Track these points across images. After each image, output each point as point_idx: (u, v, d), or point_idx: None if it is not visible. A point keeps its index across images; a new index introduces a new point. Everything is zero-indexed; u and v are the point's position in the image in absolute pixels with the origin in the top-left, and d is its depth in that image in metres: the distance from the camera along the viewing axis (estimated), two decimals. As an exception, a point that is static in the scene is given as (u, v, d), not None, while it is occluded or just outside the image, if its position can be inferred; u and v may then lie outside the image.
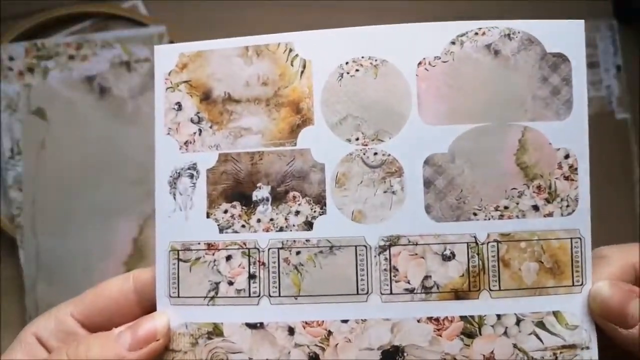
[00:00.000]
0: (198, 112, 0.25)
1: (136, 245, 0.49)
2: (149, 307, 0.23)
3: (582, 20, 0.24)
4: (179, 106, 0.25)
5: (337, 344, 0.22)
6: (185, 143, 0.25)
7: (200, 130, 0.25)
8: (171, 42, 0.53)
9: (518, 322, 0.22)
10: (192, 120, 0.25)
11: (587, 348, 0.22)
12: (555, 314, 0.22)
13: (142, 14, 0.53)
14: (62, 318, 0.23)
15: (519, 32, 0.24)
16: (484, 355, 0.22)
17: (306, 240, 0.23)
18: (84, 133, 0.52)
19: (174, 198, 0.24)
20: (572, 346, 0.22)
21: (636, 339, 0.20)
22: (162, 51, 0.25)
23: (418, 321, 0.22)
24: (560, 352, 0.22)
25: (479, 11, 0.57)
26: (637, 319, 0.20)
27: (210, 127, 0.25)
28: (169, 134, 0.25)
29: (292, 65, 0.24)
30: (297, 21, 0.50)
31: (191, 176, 0.24)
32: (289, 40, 0.24)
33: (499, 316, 0.22)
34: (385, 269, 0.23)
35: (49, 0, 0.52)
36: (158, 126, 0.25)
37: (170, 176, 0.24)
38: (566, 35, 0.24)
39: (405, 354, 0.22)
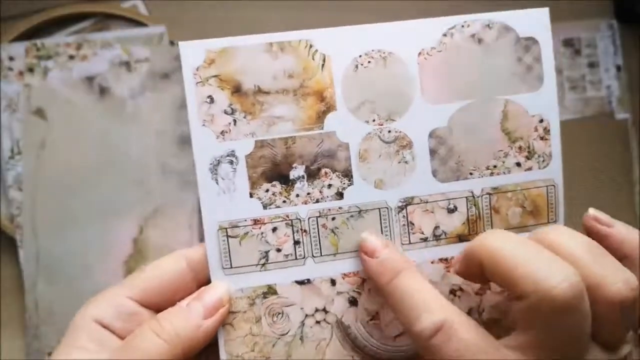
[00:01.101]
0: (231, 104, 0.28)
1: (136, 245, 0.49)
2: (203, 282, 0.27)
3: (547, 8, 0.29)
4: (211, 99, 0.28)
5: (369, 289, 0.28)
6: (222, 133, 0.28)
7: (235, 121, 0.28)
8: (171, 42, 0.53)
9: None
10: (225, 112, 0.28)
11: None
12: None
13: (142, 14, 0.53)
14: (120, 301, 0.26)
15: (496, 23, 0.29)
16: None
17: (339, 208, 0.28)
18: (84, 133, 0.52)
19: (217, 183, 0.28)
20: None
21: None
22: (188, 47, 0.28)
23: (432, 262, 0.28)
24: None
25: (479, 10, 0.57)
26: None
27: (244, 117, 0.28)
28: (204, 125, 0.28)
29: (313, 59, 0.29)
30: (296, 21, 0.50)
31: (231, 162, 0.28)
32: (308, 37, 0.28)
33: None
34: (404, 224, 0.28)
35: (49, 0, 0.52)
36: (192, 118, 0.28)
37: (211, 163, 0.28)
38: (534, 22, 0.29)
39: None
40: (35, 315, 0.52)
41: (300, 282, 0.27)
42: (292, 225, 0.27)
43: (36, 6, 0.55)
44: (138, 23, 0.55)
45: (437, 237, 0.28)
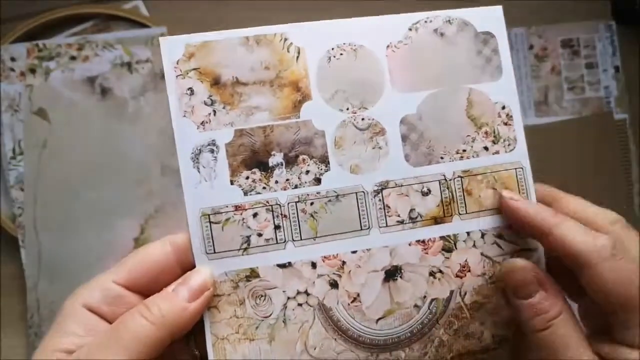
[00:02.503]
0: (210, 96, 0.29)
1: (137, 245, 0.50)
2: (188, 266, 0.27)
3: (500, 6, 0.32)
4: (192, 91, 0.29)
5: (350, 271, 0.28)
6: (202, 123, 0.29)
7: (214, 111, 0.29)
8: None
9: (482, 235, 0.30)
10: (205, 103, 0.29)
11: (536, 250, 0.30)
12: (509, 227, 0.30)
13: (143, 14, 0.53)
14: (107, 285, 0.26)
15: (456, 18, 0.31)
16: (460, 264, 0.29)
17: (317, 193, 0.29)
18: (86, 133, 0.52)
19: (198, 171, 0.28)
20: (525, 250, 0.30)
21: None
22: (168, 42, 0.29)
23: (409, 245, 0.29)
24: (517, 254, 0.29)
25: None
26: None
27: (224, 108, 0.29)
28: (185, 116, 0.29)
29: (288, 51, 0.30)
30: (295, 22, 0.50)
31: (212, 151, 0.29)
32: (283, 31, 0.30)
33: (468, 233, 0.29)
34: (380, 208, 0.29)
35: (51, 1, 0.52)
36: (174, 110, 0.29)
37: (192, 152, 0.29)
38: (490, 18, 0.31)
39: (402, 271, 0.29)
40: (37, 314, 0.52)
41: (282, 266, 0.28)
42: (272, 211, 0.28)
43: (38, 7, 0.55)
44: (139, 24, 0.56)
45: (413, 220, 0.29)
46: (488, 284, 0.29)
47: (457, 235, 0.29)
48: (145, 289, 0.26)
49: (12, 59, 0.54)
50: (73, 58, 0.54)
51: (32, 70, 0.54)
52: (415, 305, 0.29)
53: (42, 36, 0.55)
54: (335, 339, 0.28)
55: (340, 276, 0.28)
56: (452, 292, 0.29)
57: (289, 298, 0.28)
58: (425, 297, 0.29)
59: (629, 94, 0.57)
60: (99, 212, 0.52)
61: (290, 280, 0.28)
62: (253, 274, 0.28)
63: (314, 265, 0.28)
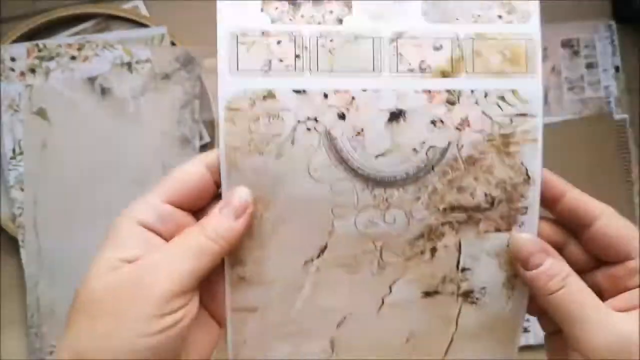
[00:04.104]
0: None
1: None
2: (219, 182, 0.29)
3: None
4: None
5: (357, 106, 0.30)
6: None
7: None
8: (172, 43, 0.53)
9: (486, 95, 0.30)
10: None
11: (534, 116, 0.30)
12: (513, 91, 0.30)
13: (144, 14, 0.53)
14: (158, 204, 0.28)
15: None
16: (461, 118, 0.30)
17: (337, 32, 0.30)
18: (86, 133, 0.52)
19: None
20: (524, 114, 0.30)
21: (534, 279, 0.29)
22: None
23: (415, 92, 0.30)
24: (515, 117, 0.30)
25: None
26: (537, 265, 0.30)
27: None
28: None
29: None
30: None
31: None
32: None
33: (472, 91, 0.30)
34: (393, 54, 0.30)
35: (51, 1, 0.52)
36: None
37: None
38: None
39: (405, 115, 0.30)
40: (37, 314, 0.52)
41: (297, 92, 0.29)
42: (294, 42, 0.29)
43: (38, 7, 0.55)
44: (139, 24, 0.56)
45: (422, 70, 0.30)
46: (485, 140, 0.30)
47: (461, 91, 0.30)
48: (188, 206, 0.29)
49: (12, 59, 0.54)
50: (73, 58, 0.54)
51: (32, 70, 0.54)
52: (414, 149, 0.30)
53: (42, 36, 0.55)
54: (336, 167, 0.29)
55: (348, 110, 0.29)
56: (449, 142, 0.29)
57: (299, 121, 0.29)
58: (424, 143, 0.30)
59: (629, 94, 0.58)
60: (99, 212, 0.52)
61: (302, 105, 0.29)
62: (270, 95, 0.29)
63: (325, 95, 0.29)
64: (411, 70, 0.30)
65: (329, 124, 0.29)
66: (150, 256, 0.27)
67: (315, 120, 0.29)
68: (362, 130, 0.29)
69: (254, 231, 0.30)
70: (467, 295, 0.31)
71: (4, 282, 0.54)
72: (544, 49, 0.58)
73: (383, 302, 0.31)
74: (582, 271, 0.30)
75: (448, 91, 0.30)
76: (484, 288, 0.31)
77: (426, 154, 0.30)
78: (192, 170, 0.28)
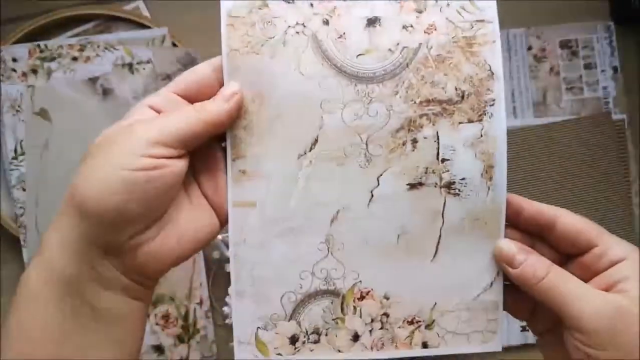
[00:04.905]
0: None
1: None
2: (222, 82, 0.34)
3: None
4: None
5: (339, 14, 0.34)
6: None
7: None
8: (173, 44, 0.53)
9: (448, 4, 0.34)
10: None
11: (490, 22, 0.34)
12: (470, 1, 0.34)
13: (145, 15, 0.53)
14: (166, 94, 0.32)
15: None
16: (428, 23, 0.34)
17: None
18: (87, 134, 0.52)
19: None
20: (481, 20, 0.34)
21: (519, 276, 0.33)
22: None
23: (388, 2, 0.34)
24: (474, 23, 0.34)
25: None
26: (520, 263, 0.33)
27: None
28: None
29: None
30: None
31: None
32: None
33: (436, 0, 0.34)
34: None
35: (53, 2, 0.52)
36: None
37: None
38: None
39: (381, 20, 0.33)
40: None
41: (287, 1, 0.34)
42: None
43: (40, 8, 0.55)
44: (140, 25, 0.56)
45: None
46: (451, 42, 0.34)
47: (427, 1, 0.34)
48: (194, 99, 0.33)
49: (14, 60, 0.54)
50: (74, 59, 0.55)
51: (34, 71, 0.54)
52: (389, 50, 0.33)
53: (43, 37, 0.56)
54: (322, 65, 0.33)
55: (331, 17, 0.33)
56: (420, 44, 0.34)
57: (289, 26, 0.33)
58: (398, 44, 0.33)
59: (627, 94, 0.58)
60: (101, 212, 0.52)
61: (292, 12, 0.33)
62: (264, 4, 0.33)
63: (311, 5, 0.34)
64: None
65: (315, 28, 0.33)
66: (146, 118, 0.32)
67: (303, 25, 0.33)
68: (344, 33, 0.33)
69: (253, 127, 0.33)
70: (449, 186, 0.34)
71: (5, 282, 0.54)
72: (543, 50, 0.58)
73: (372, 195, 0.34)
74: None
75: (415, 1, 0.34)
76: (464, 179, 0.34)
77: (400, 53, 0.34)
78: (199, 69, 0.33)
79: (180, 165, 0.31)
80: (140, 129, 0.30)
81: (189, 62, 0.55)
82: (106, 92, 0.54)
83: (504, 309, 0.35)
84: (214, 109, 0.32)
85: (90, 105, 0.54)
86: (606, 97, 0.58)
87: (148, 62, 0.55)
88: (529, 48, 0.58)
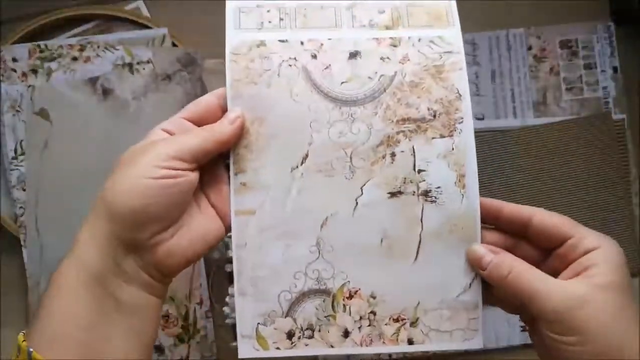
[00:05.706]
0: None
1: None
2: (225, 110, 0.38)
3: None
4: None
5: (325, 50, 0.39)
6: None
7: None
8: (173, 44, 0.53)
9: (419, 40, 0.39)
10: None
11: (458, 53, 0.39)
12: (440, 37, 0.39)
13: (145, 15, 0.53)
14: (179, 121, 0.37)
15: None
16: (402, 55, 0.39)
17: (309, 4, 0.40)
18: (87, 134, 0.53)
19: None
20: (449, 52, 0.39)
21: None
22: None
23: (367, 39, 0.39)
24: (443, 54, 0.39)
25: (485, 14, 0.57)
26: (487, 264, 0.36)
27: None
28: None
29: None
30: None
31: None
32: None
33: (409, 37, 0.39)
34: (349, 17, 0.40)
35: (53, 2, 0.52)
36: None
37: None
38: None
39: (361, 54, 0.39)
40: (38, 313, 0.52)
41: (281, 41, 0.39)
42: (279, 10, 0.40)
43: (40, 8, 0.55)
44: (140, 25, 0.56)
45: (372, 26, 0.40)
46: (422, 70, 0.38)
47: (401, 38, 0.39)
48: (200, 124, 0.38)
49: (14, 60, 0.54)
50: (75, 59, 0.55)
51: (34, 71, 0.54)
52: (369, 77, 0.38)
53: (43, 37, 0.56)
54: (311, 92, 0.38)
55: (318, 52, 0.39)
56: (395, 72, 0.38)
57: (283, 60, 0.38)
58: (376, 72, 0.38)
59: (627, 94, 0.58)
60: (101, 212, 0.52)
61: (285, 49, 0.39)
62: (262, 43, 0.39)
63: (302, 43, 0.39)
64: (363, 26, 0.40)
65: (304, 62, 0.39)
66: (163, 138, 0.37)
67: (295, 59, 0.39)
68: (330, 65, 0.39)
69: (253, 146, 0.38)
70: (426, 194, 0.38)
71: (6, 282, 0.54)
72: (543, 50, 0.58)
73: (357, 203, 0.38)
74: (538, 263, 0.37)
75: (391, 38, 0.39)
76: (439, 187, 0.37)
77: (379, 80, 0.38)
78: (204, 98, 0.38)
79: (193, 176, 0.35)
80: (161, 146, 0.35)
81: (189, 62, 0.55)
82: (106, 92, 0.54)
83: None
84: (222, 130, 0.37)
85: (90, 105, 0.54)
86: (606, 97, 0.58)
87: (148, 62, 0.55)
88: (529, 48, 0.58)
